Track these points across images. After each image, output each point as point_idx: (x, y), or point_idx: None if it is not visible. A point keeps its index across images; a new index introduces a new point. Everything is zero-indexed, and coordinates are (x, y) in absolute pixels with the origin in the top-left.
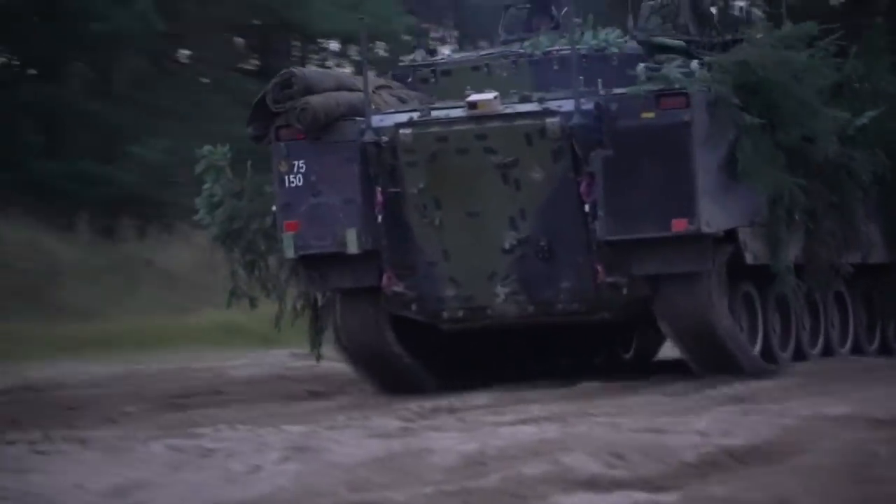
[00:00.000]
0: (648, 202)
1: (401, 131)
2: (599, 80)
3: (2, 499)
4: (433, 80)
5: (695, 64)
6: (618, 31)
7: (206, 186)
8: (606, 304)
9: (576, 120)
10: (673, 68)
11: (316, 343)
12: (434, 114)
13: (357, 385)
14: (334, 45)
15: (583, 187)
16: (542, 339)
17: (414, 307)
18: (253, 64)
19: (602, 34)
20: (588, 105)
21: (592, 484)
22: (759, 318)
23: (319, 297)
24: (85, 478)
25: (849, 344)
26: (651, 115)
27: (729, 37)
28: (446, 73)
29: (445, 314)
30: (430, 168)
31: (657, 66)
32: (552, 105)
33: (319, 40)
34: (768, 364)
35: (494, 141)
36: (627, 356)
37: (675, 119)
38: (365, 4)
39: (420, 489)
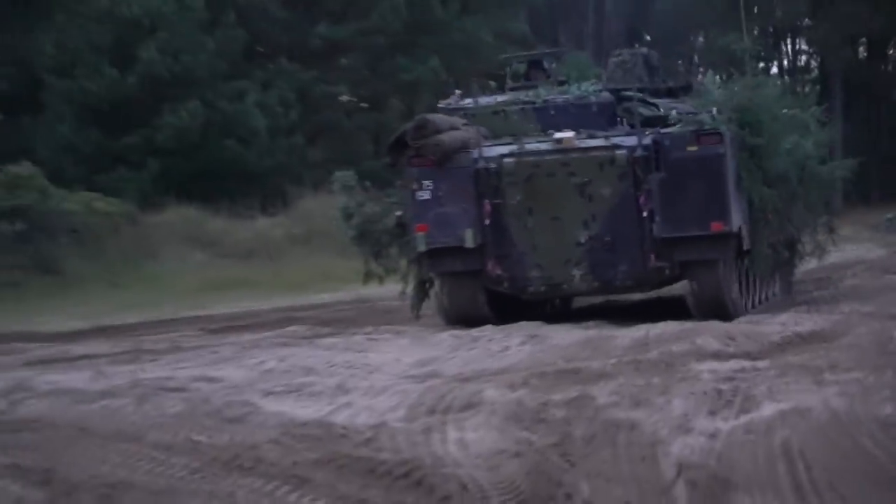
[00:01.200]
0: (693, 210)
1: (505, 160)
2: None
3: (352, 367)
4: (464, 120)
5: (666, 101)
6: (595, 83)
7: (341, 200)
8: (651, 281)
9: (639, 152)
10: (706, 114)
11: (417, 307)
12: (527, 146)
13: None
14: None
15: (642, 199)
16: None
17: (507, 284)
18: None
19: (583, 86)
20: (647, 140)
21: (716, 356)
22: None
23: (433, 277)
24: (401, 354)
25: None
26: (694, 148)
27: (672, 84)
28: (472, 115)
29: (531, 289)
30: (525, 186)
31: (627, 111)
32: (618, 141)
33: None
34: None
35: (575, 167)
36: None
37: (713, 151)
38: None
39: (608, 360)
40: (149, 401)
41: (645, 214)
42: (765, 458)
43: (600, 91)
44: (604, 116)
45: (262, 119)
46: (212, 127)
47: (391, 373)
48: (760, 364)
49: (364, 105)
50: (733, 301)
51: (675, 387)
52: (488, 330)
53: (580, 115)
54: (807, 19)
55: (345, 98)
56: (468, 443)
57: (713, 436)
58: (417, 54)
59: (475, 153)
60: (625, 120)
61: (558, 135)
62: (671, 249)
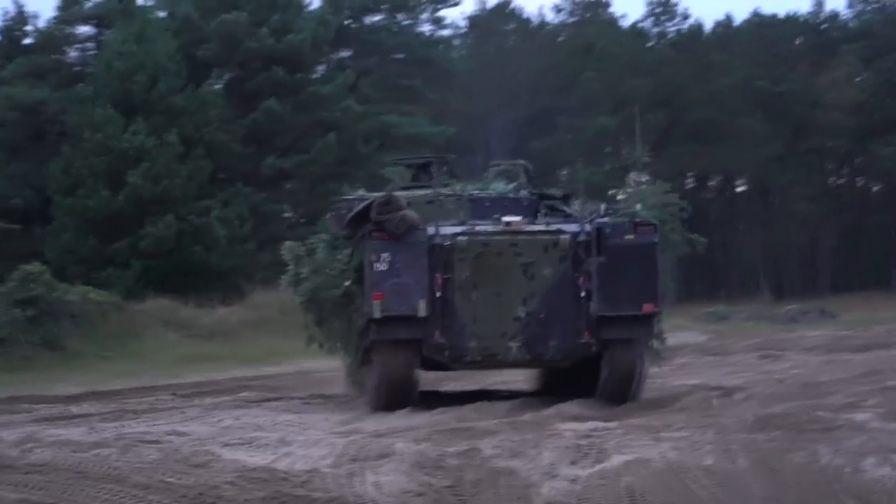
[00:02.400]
0: (628, 291)
1: (458, 238)
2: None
3: (291, 425)
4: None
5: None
6: (512, 185)
7: (290, 268)
8: (577, 356)
9: (581, 237)
10: (639, 209)
11: (358, 374)
12: (478, 228)
13: None
14: None
15: (581, 280)
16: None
17: (447, 353)
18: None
19: (500, 186)
20: (588, 227)
21: (576, 418)
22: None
23: (373, 346)
24: (329, 415)
25: None
26: (631, 236)
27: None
28: (411, 203)
29: (468, 358)
30: (474, 263)
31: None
32: (562, 226)
33: None
34: None
35: (521, 248)
36: None
37: (648, 240)
38: None
39: (492, 420)
40: (131, 450)
41: (583, 294)
42: (614, 498)
43: (519, 191)
44: (531, 211)
45: (222, 230)
46: (183, 236)
47: (322, 429)
48: (610, 425)
49: (303, 220)
50: (641, 379)
51: (544, 441)
52: None
53: (511, 209)
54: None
55: (288, 215)
56: (382, 484)
57: (574, 481)
58: (345, 181)
59: (430, 230)
60: (545, 216)
61: (506, 218)
62: (602, 327)
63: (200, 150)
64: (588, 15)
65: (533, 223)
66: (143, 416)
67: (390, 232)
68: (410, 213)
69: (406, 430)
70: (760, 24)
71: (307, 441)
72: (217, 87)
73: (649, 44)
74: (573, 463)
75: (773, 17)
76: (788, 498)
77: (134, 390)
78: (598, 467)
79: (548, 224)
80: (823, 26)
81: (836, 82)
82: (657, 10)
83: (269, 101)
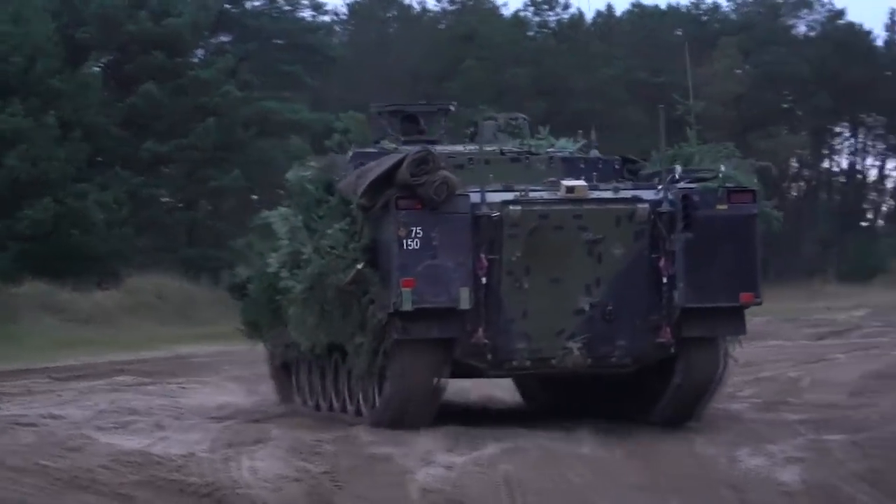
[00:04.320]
0: (722, 277)
1: (510, 207)
2: (582, 176)
3: (167, 409)
4: None
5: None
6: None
7: (282, 244)
8: (647, 360)
9: (665, 207)
10: (724, 170)
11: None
12: (532, 194)
13: None
14: None
15: (662, 263)
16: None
17: (489, 356)
18: None
19: (560, 142)
20: (672, 195)
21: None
22: None
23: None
24: (205, 399)
25: None
26: (724, 207)
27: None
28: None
29: (515, 363)
30: (528, 240)
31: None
32: (639, 193)
33: None
34: None
35: (587, 220)
36: None
37: (745, 212)
38: None
39: None
40: (6, 433)
41: (664, 280)
42: (490, 486)
43: (589, 150)
44: (609, 179)
45: (100, 214)
46: (61, 219)
47: (198, 414)
48: (488, 412)
49: (180, 205)
50: (717, 390)
51: (420, 429)
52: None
53: (605, 175)
54: None
55: (166, 199)
56: (258, 469)
57: (450, 468)
58: (223, 167)
59: (474, 196)
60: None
61: (568, 182)
62: (686, 322)
63: (78, 133)
64: (469, 3)
65: (598, 188)
66: (19, 399)
67: (425, 199)
68: (451, 176)
69: (282, 414)
70: (641, 14)
71: (183, 426)
72: (96, 69)
73: (530, 33)
74: (449, 450)
75: (654, 7)
76: (663, 486)
77: (9, 373)
78: (474, 454)
79: (617, 190)
80: (704, 18)
81: (715, 74)
82: (538, 0)
83: (147, 84)
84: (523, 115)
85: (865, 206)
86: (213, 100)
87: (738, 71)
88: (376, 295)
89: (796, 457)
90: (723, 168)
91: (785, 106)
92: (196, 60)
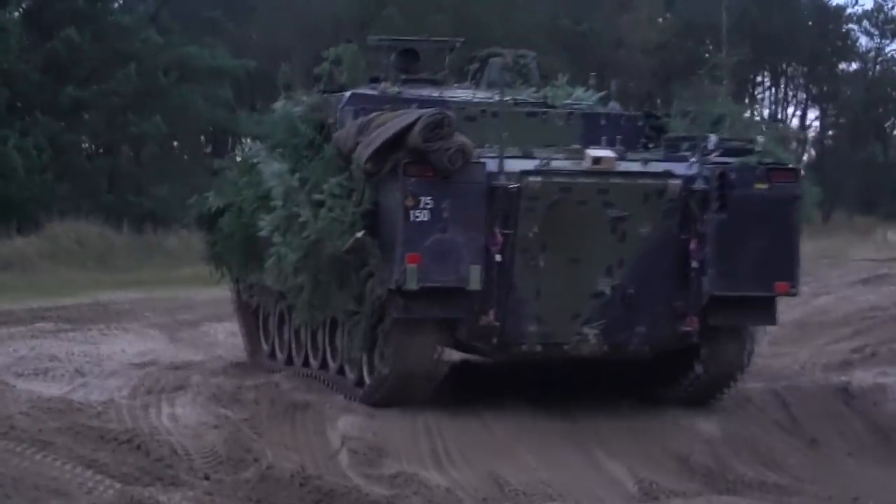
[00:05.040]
0: (756, 264)
1: (530, 178)
2: (603, 137)
3: (88, 356)
4: None
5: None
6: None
7: (276, 206)
8: (666, 348)
9: (698, 185)
10: (761, 141)
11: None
12: (554, 164)
13: None
14: None
15: (693, 245)
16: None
17: (495, 340)
18: None
19: (582, 92)
20: (709, 171)
21: None
22: None
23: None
24: (126, 346)
25: None
26: (764, 186)
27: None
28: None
29: (524, 347)
30: (547, 215)
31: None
32: (674, 169)
33: None
34: None
35: (613, 196)
36: None
37: (787, 192)
38: None
39: None
40: None
41: (694, 264)
42: (411, 433)
43: (608, 103)
44: (632, 138)
45: (19, 159)
46: None
47: (119, 361)
48: None
49: (101, 151)
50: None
51: None
52: (204, 326)
53: (627, 133)
54: None
55: (86, 145)
56: (178, 416)
57: (371, 416)
58: (144, 113)
59: (492, 165)
60: (653, 146)
61: (594, 152)
62: (713, 310)
63: None
64: None
65: (626, 158)
66: None
67: (438, 167)
68: (467, 142)
69: (202, 362)
70: None
71: (103, 372)
72: (15, 15)
73: None
74: None
75: None
76: (585, 437)
77: None
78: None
79: (646, 162)
80: None
81: (637, 23)
82: None
83: (68, 30)
84: (532, 53)
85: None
86: (134, 45)
87: (660, 20)
88: (376, 267)
89: (717, 406)
90: (760, 139)
91: (706, 55)
92: (116, 6)
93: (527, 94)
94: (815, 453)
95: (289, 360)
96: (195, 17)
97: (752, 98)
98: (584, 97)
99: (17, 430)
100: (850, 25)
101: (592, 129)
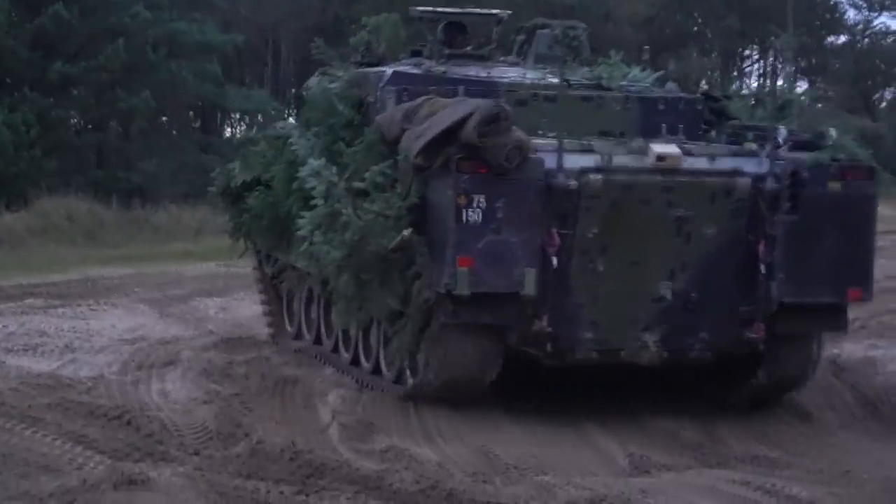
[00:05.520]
0: (828, 269)
1: (590, 176)
2: (663, 124)
3: (77, 332)
4: None
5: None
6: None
7: (316, 204)
8: (728, 354)
9: (769, 184)
10: (835, 135)
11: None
12: (616, 160)
13: None
14: None
15: (762, 248)
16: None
17: (548, 347)
18: None
19: (632, 72)
20: (780, 168)
21: None
22: None
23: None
24: (116, 322)
25: None
26: (837, 185)
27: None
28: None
29: (578, 354)
30: (608, 215)
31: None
32: (743, 166)
33: None
34: None
35: (678, 195)
36: None
37: (862, 192)
38: None
39: None
40: None
41: (762, 269)
42: (400, 408)
43: (665, 84)
44: (696, 126)
45: (8, 135)
46: None
47: (108, 336)
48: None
49: (89, 126)
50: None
51: None
52: (194, 302)
53: (685, 119)
54: None
55: (74, 121)
56: (168, 392)
57: (360, 390)
58: (132, 88)
59: (551, 161)
60: (715, 132)
61: (659, 148)
62: (781, 317)
63: None
64: None
65: (692, 154)
66: None
67: (493, 164)
68: (524, 138)
69: (192, 337)
70: None
71: (93, 348)
72: None
73: None
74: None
75: None
76: (570, 411)
77: None
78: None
79: (713, 158)
80: None
81: None
82: None
83: (56, 5)
84: (582, 24)
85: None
86: (123, 21)
87: None
88: (422, 268)
89: None
90: (833, 132)
91: (695, 28)
92: None
93: (580, 75)
94: (806, 426)
95: (317, 340)
96: None
97: (741, 71)
98: (641, 77)
99: (6, 406)
100: None
101: (650, 114)
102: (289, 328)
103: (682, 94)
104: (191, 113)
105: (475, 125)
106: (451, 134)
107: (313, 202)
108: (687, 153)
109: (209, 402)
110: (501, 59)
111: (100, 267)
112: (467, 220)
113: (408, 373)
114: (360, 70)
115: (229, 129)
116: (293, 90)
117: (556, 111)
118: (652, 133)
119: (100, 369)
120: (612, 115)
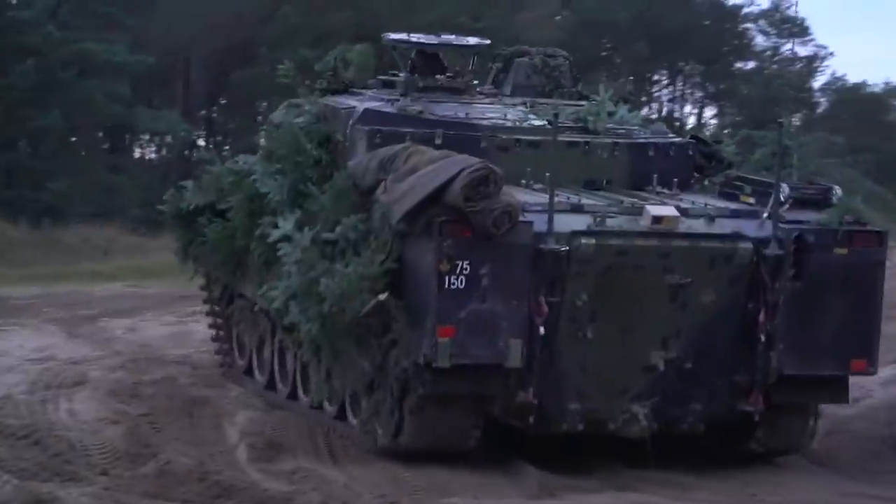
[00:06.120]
0: (830, 339)
1: (582, 240)
2: (654, 174)
3: None
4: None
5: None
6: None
7: (291, 270)
8: (721, 426)
9: (772, 249)
10: (840, 193)
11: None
12: (609, 222)
13: None
14: None
15: (763, 316)
16: None
17: (532, 418)
18: None
19: (619, 111)
20: (786, 233)
21: None
22: None
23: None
24: (24, 341)
25: None
26: (844, 251)
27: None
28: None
29: (564, 426)
30: (599, 281)
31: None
32: (744, 229)
33: None
34: None
35: (675, 260)
36: None
37: (870, 259)
38: None
39: (188, 350)
40: None
41: (762, 338)
42: (308, 429)
43: (650, 126)
44: (684, 171)
45: None
46: None
47: (16, 356)
48: None
49: None
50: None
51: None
52: (102, 322)
53: (675, 164)
54: None
55: None
56: (77, 412)
57: (269, 411)
58: (43, 107)
59: (540, 224)
60: (708, 181)
61: (655, 210)
62: (780, 388)
63: None
64: None
65: (689, 214)
66: None
67: (480, 229)
68: (514, 202)
69: (101, 357)
70: None
71: (1, 368)
72: None
73: None
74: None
75: None
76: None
77: None
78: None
79: (712, 220)
80: None
81: (535, 20)
82: None
83: None
84: (563, 53)
85: None
86: (34, 40)
87: (558, 17)
88: (400, 335)
89: None
90: (838, 190)
91: (604, 53)
92: (15, 1)
93: (564, 116)
94: (719, 451)
95: (270, 385)
96: (94, 12)
97: (650, 96)
98: (629, 118)
99: None
100: (747, 24)
101: (640, 162)
102: (239, 361)
103: (672, 139)
104: (100, 133)
105: (462, 188)
106: (435, 195)
107: (285, 269)
108: (683, 213)
109: (117, 422)
110: (478, 90)
111: (9, 286)
112: (449, 286)
113: (380, 431)
114: (329, 102)
115: (138, 150)
116: (202, 112)
117: (540, 158)
118: (642, 181)
119: (7, 389)
120: (600, 162)
